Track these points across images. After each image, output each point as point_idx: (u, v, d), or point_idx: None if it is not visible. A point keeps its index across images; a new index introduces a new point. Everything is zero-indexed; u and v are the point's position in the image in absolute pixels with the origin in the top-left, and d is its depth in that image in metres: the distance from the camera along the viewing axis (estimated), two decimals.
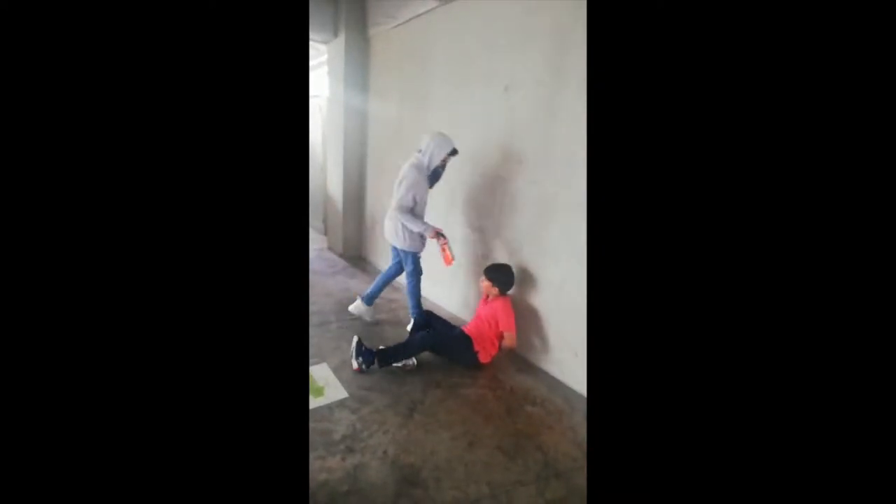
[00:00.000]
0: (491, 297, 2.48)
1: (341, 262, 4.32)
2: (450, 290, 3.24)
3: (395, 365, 2.29)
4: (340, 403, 1.98)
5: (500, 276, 2.44)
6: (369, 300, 2.91)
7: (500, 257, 2.67)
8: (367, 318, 2.91)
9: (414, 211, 2.50)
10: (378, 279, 2.92)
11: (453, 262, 2.51)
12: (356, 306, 2.92)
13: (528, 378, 2.37)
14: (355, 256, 4.55)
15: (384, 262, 4.01)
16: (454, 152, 2.47)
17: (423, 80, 3.27)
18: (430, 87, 3.21)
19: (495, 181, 2.69)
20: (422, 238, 2.58)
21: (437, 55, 3.09)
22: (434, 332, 2.44)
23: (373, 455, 1.67)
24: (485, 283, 2.48)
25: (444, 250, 2.45)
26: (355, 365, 2.24)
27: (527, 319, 2.54)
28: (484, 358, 2.40)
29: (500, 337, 2.42)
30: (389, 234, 2.61)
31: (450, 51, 2.96)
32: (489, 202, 2.76)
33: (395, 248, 2.71)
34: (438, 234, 2.46)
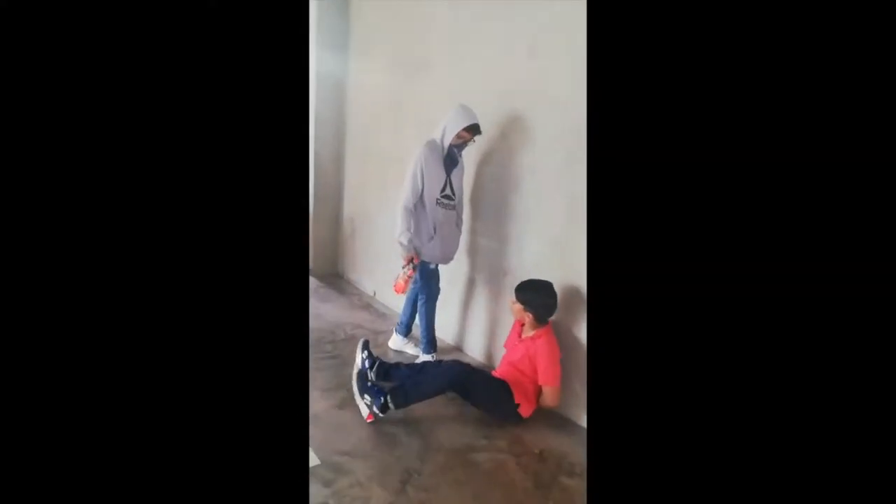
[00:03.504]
0: (527, 329, 1.96)
1: (311, 282, 3.61)
2: (460, 320, 2.68)
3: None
4: (310, 473, 1.53)
5: (538, 297, 1.91)
6: (405, 330, 2.63)
7: (523, 274, 2.18)
8: (411, 352, 2.59)
9: (420, 200, 2.20)
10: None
11: (400, 293, 2.33)
12: (393, 341, 2.66)
13: (564, 438, 1.89)
14: (330, 274, 3.82)
15: (369, 281, 3.44)
16: (474, 128, 2.14)
17: (422, 39, 2.75)
18: (430, 49, 2.69)
19: (518, 174, 2.23)
20: (429, 238, 2.25)
21: (440, 6, 2.58)
22: (466, 365, 1.94)
23: None
24: (516, 306, 1.98)
25: (405, 278, 2.25)
26: (365, 412, 1.78)
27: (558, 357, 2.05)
28: (525, 411, 1.90)
29: (539, 390, 1.93)
30: None
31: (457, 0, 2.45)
32: (511, 202, 2.29)
33: None
34: (410, 261, 2.22)
